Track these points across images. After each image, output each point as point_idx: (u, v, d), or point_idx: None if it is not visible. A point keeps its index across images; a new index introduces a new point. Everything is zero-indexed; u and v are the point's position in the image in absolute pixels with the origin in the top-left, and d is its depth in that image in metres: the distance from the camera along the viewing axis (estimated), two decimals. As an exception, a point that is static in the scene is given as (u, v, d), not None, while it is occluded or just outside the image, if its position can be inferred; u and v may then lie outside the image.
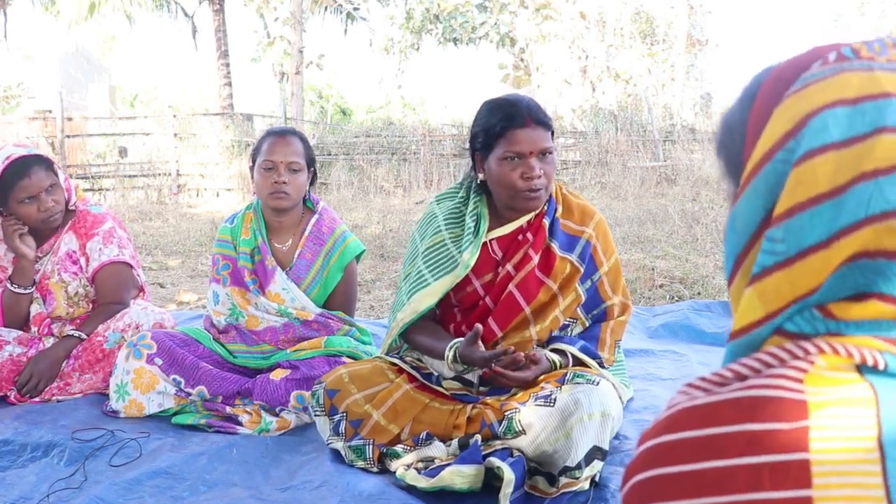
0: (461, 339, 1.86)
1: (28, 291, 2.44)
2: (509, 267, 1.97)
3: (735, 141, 0.65)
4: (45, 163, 2.41)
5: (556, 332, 1.99)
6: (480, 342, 1.79)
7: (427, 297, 1.97)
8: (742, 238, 0.61)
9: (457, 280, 1.96)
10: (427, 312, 1.99)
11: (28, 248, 2.41)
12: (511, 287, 1.95)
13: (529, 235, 1.98)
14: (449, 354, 1.85)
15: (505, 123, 1.87)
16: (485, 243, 2.00)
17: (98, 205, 2.62)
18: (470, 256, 1.96)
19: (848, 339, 0.55)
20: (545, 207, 2.01)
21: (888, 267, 0.55)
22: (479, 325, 1.78)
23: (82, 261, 2.49)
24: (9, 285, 2.42)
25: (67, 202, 2.49)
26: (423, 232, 2.08)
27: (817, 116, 0.56)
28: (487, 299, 1.98)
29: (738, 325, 0.60)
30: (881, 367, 0.53)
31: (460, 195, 2.08)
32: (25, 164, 2.36)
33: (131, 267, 2.56)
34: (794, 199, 0.56)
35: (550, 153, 1.90)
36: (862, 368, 0.54)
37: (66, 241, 2.49)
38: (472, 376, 1.94)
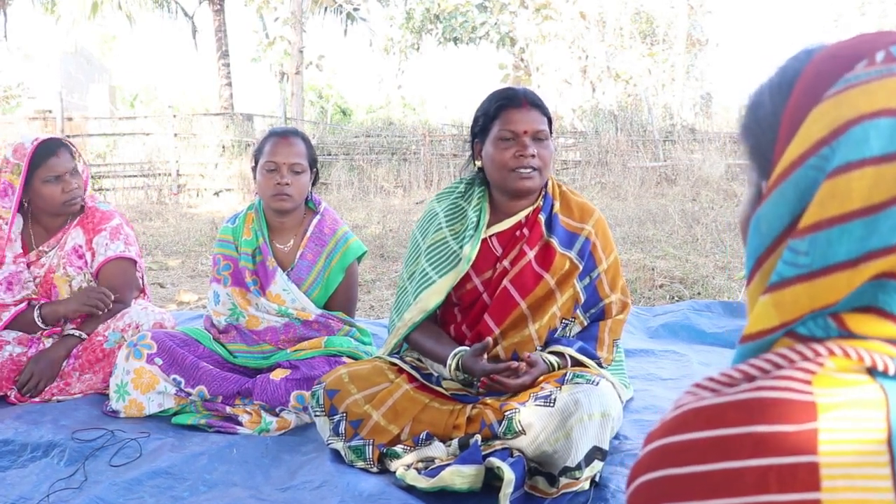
0: (464, 348, 1.87)
1: (45, 328, 2.44)
2: (506, 262, 1.98)
3: (765, 132, 0.62)
4: (69, 147, 2.50)
5: (555, 332, 1.99)
6: (485, 354, 1.81)
7: (434, 296, 1.98)
8: (765, 241, 0.59)
9: (460, 275, 1.97)
10: (429, 314, 2.00)
11: (78, 313, 2.43)
12: (505, 282, 1.96)
13: (526, 231, 1.99)
14: (452, 364, 1.86)
15: (501, 103, 1.94)
16: (485, 239, 2.01)
17: (106, 202, 2.64)
18: (471, 250, 1.97)
19: (858, 343, 0.54)
20: (541, 202, 2.02)
21: None
22: (488, 339, 1.80)
23: (88, 255, 2.51)
24: (36, 317, 2.41)
25: (84, 192, 2.54)
26: (423, 230, 2.09)
27: (859, 126, 0.53)
28: (485, 296, 1.99)
29: (750, 330, 0.58)
30: (891, 372, 0.53)
31: (459, 190, 2.10)
32: (53, 145, 2.45)
33: (135, 263, 2.58)
34: (823, 212, 0.54)
35: (546, 138, 1.93)
36: (872, 371, 0.53)
37: (73, 236, 2.51)
38: (473, 382, 1.95)
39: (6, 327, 2.41)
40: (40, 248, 2.48)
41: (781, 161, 0.58)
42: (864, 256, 0.53)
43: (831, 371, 0.53)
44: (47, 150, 2.42)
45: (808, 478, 0.49)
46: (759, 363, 0.56)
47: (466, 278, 2.00)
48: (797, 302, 0.55)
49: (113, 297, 2.43)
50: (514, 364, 1.77)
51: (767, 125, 0.61)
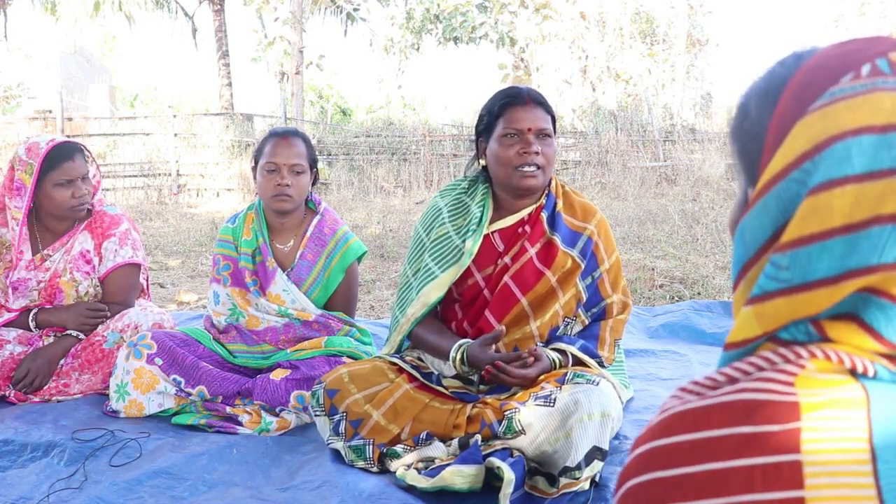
0: (468, 340, 1.88)
1: (37, 333, 2.45)
2: (507, 259, 1.99)
3: (752, 141, 0.62)
4: (84, 152, 2.49)
5: (557, 330, 1.99)
6: (493, 345, 1.82)
7: (435, 290, 1.99)
8: (749, 250, 0.60)
9: (462, 269, 1.98)
10: (431, 309, 2.01)
11: (80, 327, 2.43)
12: (506, 278, 1.96)
13: (528, 228, 2.00)
14: (456, 356, 1.86)
15: (505, 101, 1.96)
16: (487, 235, 2.02)
17: (112, 205, 2.64)
18: (473, 244, 1.98)
19: (839, 346, 0.54)
20: (544, 200, 2.03)
21: (892, 310, 0.53)
22: (501, 328, 1.80)
23: (95, 260, 2.50)
24: (32, 326, 2.42)
25: (92, 198, 2.53)
26: (427, 226, 2.10)
27: (841, 143, 0.53)
28: (486, 292, 2.00)
29: (734, 338, 0.59)
30: (871, 374, 0.53)
31: (462, 186, 2.11)
32: (70, 149, 2.44)
33: (140, 267, 2.59)
34: (804, 228, 0.53)
35: (550, 136, 1.96)
36: (853, 372, 0.54)
37: (81, 241, 2.50)
38: (473, 375, 1.95)
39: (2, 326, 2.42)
40: (45, 251, 2.47)
41: (765, 173, 0.58)
42: (844, 275, 0.53)
43: (812, 372, 0.53)
44: (63, 154, 2.40)
45: (791, 476, 0.49)
46: (742, 366, 0.56)
47: (468, 273, 2.00)
48: (778, 314, 0.56)
49: (108, 312, 2.44)
50: (525, 354, 1.77)
51: (754, 134, 0.61)
